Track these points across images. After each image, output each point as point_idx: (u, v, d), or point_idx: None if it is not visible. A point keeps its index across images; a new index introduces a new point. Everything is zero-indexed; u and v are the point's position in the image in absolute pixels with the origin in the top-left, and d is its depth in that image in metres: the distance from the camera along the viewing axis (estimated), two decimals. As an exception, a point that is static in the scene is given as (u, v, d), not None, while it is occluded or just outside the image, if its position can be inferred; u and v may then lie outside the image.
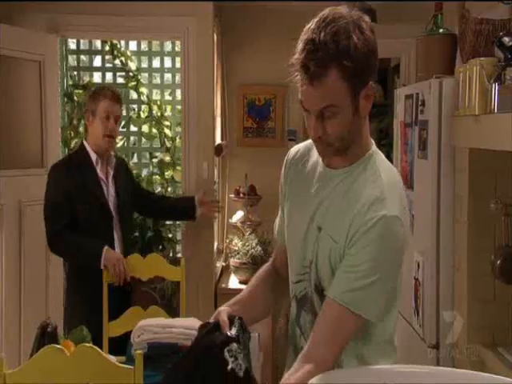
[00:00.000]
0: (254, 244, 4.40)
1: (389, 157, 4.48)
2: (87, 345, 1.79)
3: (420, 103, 2.89)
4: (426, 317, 2.82)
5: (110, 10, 3.88)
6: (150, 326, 2.50)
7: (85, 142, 3.29)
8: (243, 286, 4.29)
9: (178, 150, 5.13)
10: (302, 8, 4.76)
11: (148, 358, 2.26)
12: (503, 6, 3.07)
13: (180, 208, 3.75)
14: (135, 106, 5.07)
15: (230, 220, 4.66)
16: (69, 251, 3.18)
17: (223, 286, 4.39)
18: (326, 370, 1.44)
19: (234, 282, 4.46)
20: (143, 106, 5.01)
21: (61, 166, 3.29)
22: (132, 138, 5.13)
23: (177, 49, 5.07)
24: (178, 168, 5.03)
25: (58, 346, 1.75)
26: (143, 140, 5.07)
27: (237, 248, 4.44)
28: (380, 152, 1.64)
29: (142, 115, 5.00)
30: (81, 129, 5.08)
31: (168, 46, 5.16)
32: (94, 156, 3.21)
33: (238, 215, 4.70)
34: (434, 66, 3.13)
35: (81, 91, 5.06)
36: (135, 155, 5.16)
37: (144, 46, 5.10)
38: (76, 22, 3.95)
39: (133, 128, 5.07)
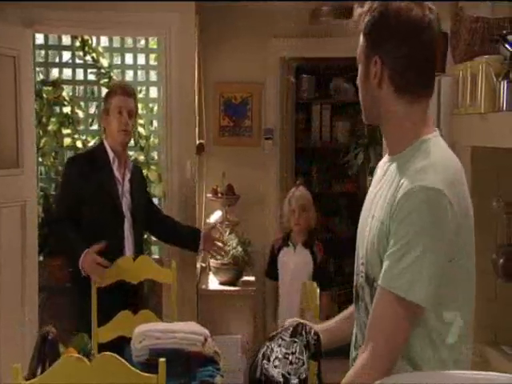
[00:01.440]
0: (234, 244, 4.34)
1: (368, 157, 4.54)
2: (108, 353, 1.71)
3: (417, 101, 2.87)
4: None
5: (88, 6, 3.75)
6: (151, 331, 2.42)
7: (104, 141, 3.29)
8: (224, 288, 4.30)
9: (151, 148, 5.03)
10: (281, 7, 4.76)
11: (152, 363, 2.18)
12: (486, 4, 3.10)
13: (184, 236, 3.63)
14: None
15: (207, 220, 4.58)
16: (59, 246, 3.17)
17: (203, 287, 4.31)
18: (382, 358, 1.41)
19: (214, 284, 4.39)
20: (116, 104, 4.86)
21: (77, 160, 3.39)
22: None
23: (150, 46, 4.96)
24: (153, 167, 4.92)
25: (78, 356, 1.66)
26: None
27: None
28: (441, 140, 1.58)
29: (115, 113, 4.86)
30: (50, 127, 4.93)
31: (141, 42, 5.03)
32: (111, 154, 3.19)
33: (216, 215, 4.63)
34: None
35: (49, 88, 4.90)
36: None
37: (116, 42, 4.96)
38: (52, 16, 3.81)
39: (105, 126, 4.93)
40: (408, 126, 1.54)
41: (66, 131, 4.91)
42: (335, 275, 6.08)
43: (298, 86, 5.73)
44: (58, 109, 4.92)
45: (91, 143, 4.99)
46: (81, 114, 4.95)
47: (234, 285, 4.38)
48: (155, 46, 4.99)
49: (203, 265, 4.45)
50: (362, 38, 1.57)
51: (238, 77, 4.75)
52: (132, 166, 3.37)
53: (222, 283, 4.39)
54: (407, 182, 1.45)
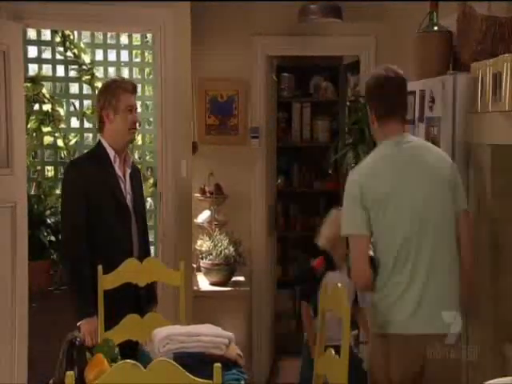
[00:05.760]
0: (225, 244, 4.28)
1: (358, 156, 4.52)
2: (163, 359, 1.64)
3: (429, 100, 2.87)
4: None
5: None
6: (175, 334, 2.35)
7: (102, 140, 3.16)
8: (218, 288, 4.23)
9: (136, 148, 4.92)
10: (267, 5, 4.72)
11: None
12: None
13: None
14: (89, 101, 4.81)
15: (195, 220, 4.50)
16: (69, 280, 3.07)
17: (195, 288, 4.24)
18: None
19: (205, 284, 4.33)
20: (98, 102, 4.72)
21: (78, 163, 3.24)
22: (86, 135, 4.86)
23: (134, 42, 4.85)
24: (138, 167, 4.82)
25: (133, 362, 1.59)
26: (98, 137, 4.80)
27: (207, 249, 4.30)
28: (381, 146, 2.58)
29: (97, 111, 4.72)
30: (29, 125, 4.77)
31: (121, 38, 4.91)
32: (112, 153, 3.08)
33: (205, 215, 4.57)
34: (432, 63, 3.14)
35: (29, 85, 4.74)
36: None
37: (98, 38, 4.82)
38: (41, 10, 3.68)
39: (87, 124, 4.80)
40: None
41: (46, 129, 4.76)
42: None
43: (278, 84, 5.71)
44: (37, 106, 4.76)
45: (72, 142, 4.85)
46: (62, 111, 4.81)
47: (225, 285, 4.33)
48: (139, 43, 4.89)
49: (193, 265, 4.38)
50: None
51: (224, 74, 4.70)
52: (131, 162, 3.28)
53: (212, 284, 4.33)
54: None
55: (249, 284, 4.47)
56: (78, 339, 2.09)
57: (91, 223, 2.97)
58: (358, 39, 4.79)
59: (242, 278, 4.45)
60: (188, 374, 1.64)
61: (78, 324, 2.88)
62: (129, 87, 3.09)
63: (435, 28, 3.20)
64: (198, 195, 4.53)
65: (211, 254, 4.24)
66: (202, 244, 4.37)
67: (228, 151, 4.73)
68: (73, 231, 2.98)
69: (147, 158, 5.01)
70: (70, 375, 1.57)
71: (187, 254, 3.95)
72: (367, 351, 2.74)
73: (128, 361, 1.59)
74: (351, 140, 4.83)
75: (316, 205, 5.93)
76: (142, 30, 4.28)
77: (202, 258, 4.30)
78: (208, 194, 4.54)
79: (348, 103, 5.63)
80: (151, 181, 4.74)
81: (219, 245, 4.24)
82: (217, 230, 4.44)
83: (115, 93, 3.06)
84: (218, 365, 1.68)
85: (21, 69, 3.70)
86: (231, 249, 4.26)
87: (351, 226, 2.45)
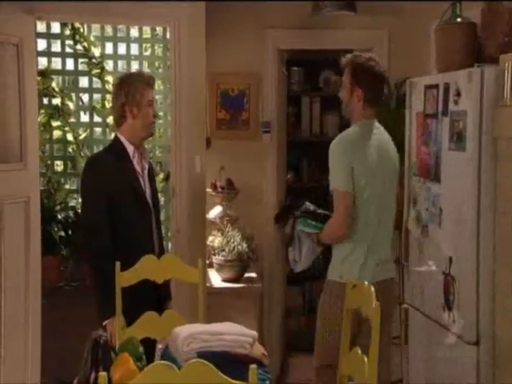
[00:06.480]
0: (238, 240, 4.23)
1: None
2: (196, 360, 1.58)
3: (454, 93, 2.81)
4: (464, 313, 2.76)
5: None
6: (198, 333, 2.29)
7: (119, 135, 3.09)
8: (230, 285, 4.18)
9: (145, 142, 4.86)
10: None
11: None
12: None
13: None
14: (99, 95, 4.75)
15: (207, 215, 4.44)
16: (95, 273, 2.97)
17: (208, 285, 4.17)
18: None
19: (216, 281, 4.27)
20: (108, 96, 4.67)
21: (98, 159, 3.16)
22: (96, 130, 4.80)
23: (144, 35, 4.80)
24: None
25: (167, 363, 1.53)
26: (108, 131, 4.75)
27: (219, 245, 4.25)
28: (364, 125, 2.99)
29: (107, 105, 4.67)
30: (39, 119, 4.71)
31: (131, 31, 4.85)
32: (130, 149, 3.03)
33: (216, 210, 4.51)
34: (455, 56, 3.08)
35: (38, 78, 4.67)
36: (100, 148, 4.81)
37: (108, 31, 4.76)
38: (55, 3, 3.60)
39: (97, 118, 4.75)
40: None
41: (55, 123, 4.71)
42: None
43: (288, 78, 5.64)
44: (47, 100, 4.70)
45: (82, 136, 4.80)
46: (71, 105, 4.75)
47: (237, 281, 4.27)
48: (149, 36, 4.83)
49: (207, 261, 4.32)
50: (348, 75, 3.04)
51: (235, 68, 4.64)
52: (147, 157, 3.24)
53: (225, 280, 4.27)
54: None
55: (260, 280, 4.41)
56: (103, 338, 2.03)
57: (112, 221, 2.91)
58: (370, 33, 4.72)
59: (254, 275, 4.40)
60: (222, 374, 1.58)
61: (104, 323, 2.82)
62: (150, 81, 3.05)
63: (458, 20, 3.14)
64: (210, 190, 4.47)
65: (224, 250, 4.18)
66: (214, 240, 4.31)
67: (239, 146, 4.66)
68: (91, 230, 2.93)
69: (157, 152, 4.96)
70: (103, 376, 1.51)
71: (201, 250, 3.90)
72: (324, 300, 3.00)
73: (162, 362, 1.54)
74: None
75: (325, 200, 5.85)
76: (158, 24, 4.24)
77: (215, 254, 4.25)
78: (219, 189, 4.48)
79: (358, 98, 5.58)
80: (161, 176, 4.69)
81: (232, 241, 4.18)
82: (229, 225, 4.38)
83: (138, 87, 2.99)
84: (254, 366, 1.63)
85: (33, 62, 3.64)
86: (244, 245, 4.20)
87: (342, 184, 2.91)
